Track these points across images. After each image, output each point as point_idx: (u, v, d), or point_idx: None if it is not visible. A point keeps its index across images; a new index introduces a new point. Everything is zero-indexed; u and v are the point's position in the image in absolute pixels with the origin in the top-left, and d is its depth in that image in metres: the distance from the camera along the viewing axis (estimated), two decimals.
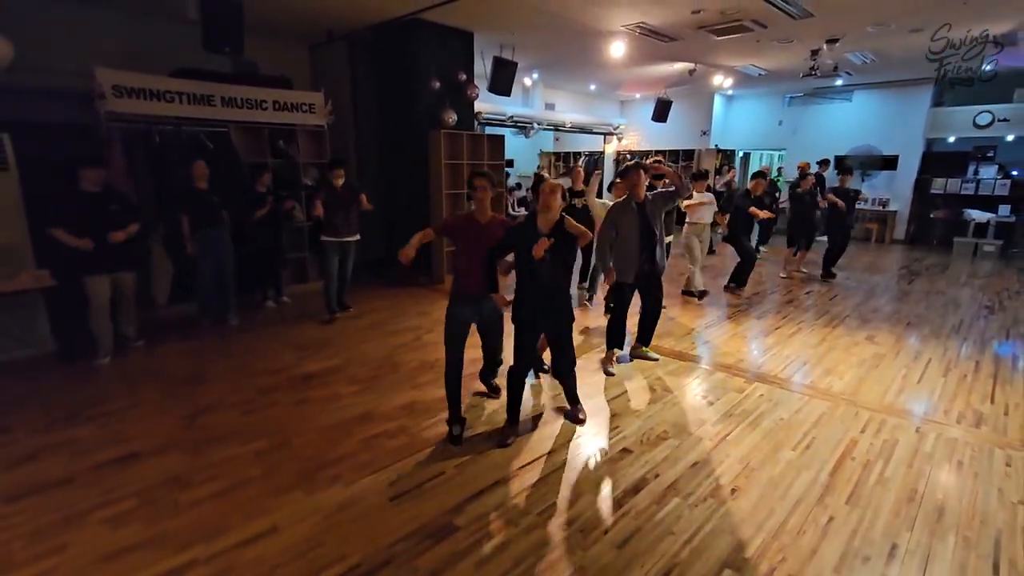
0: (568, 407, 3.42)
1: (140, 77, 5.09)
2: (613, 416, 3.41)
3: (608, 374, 4.06)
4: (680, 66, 9.32)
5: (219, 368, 4.19)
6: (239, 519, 2.40)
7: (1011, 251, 9.91)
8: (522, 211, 10.95)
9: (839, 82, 10.88)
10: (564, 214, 3.01)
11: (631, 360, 4.35)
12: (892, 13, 6.30)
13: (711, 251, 8.58)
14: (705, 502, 2.53)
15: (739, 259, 6.58)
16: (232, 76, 5.93)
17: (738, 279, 6.64)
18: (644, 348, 4.39)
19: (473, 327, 3.21)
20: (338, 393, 3.74)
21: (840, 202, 7.35)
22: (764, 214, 6.62)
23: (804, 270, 7.78)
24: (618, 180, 4.06)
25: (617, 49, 7.46)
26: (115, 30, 5.83)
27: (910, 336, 5.04)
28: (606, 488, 2.65)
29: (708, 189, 6.61)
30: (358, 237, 5.52)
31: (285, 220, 5.86)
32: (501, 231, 3.06)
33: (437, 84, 6.59)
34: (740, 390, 3.82)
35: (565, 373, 3.32)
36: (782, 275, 7.65)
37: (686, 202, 5.94)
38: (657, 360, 4.33)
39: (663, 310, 4.67)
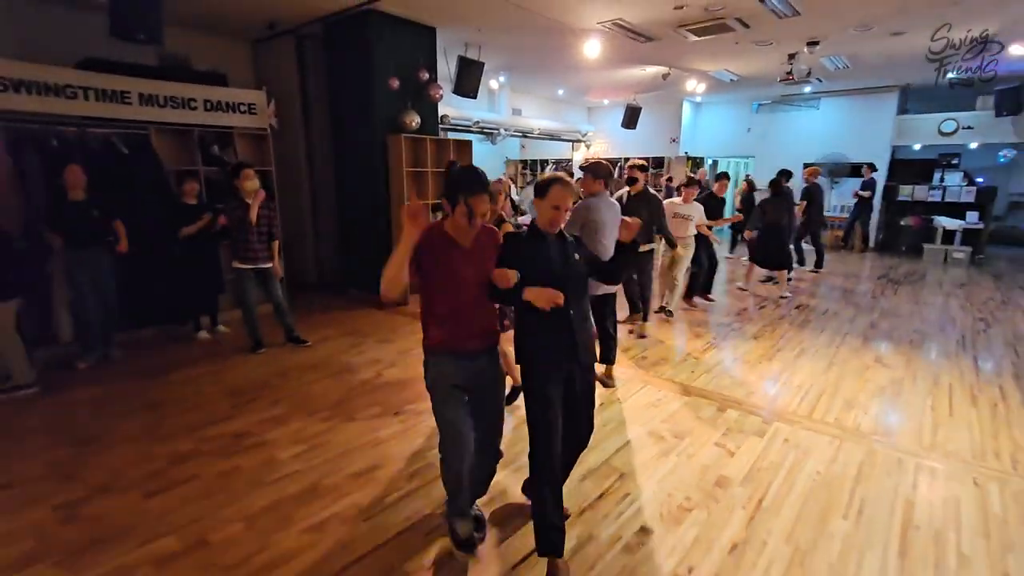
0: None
1: (32, 68, 4.20)
2: (620, 478, 2.80)
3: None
4: (653, 70, 8.94)
5: (126, 425, 3.35)
6: None
7: (978, 257, 9.93)
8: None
9: (807, 89, 10.78)
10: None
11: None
12: (877, 14, 6.02)
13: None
14: None
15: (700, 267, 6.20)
16: (155, 71, 5.08)
17: (706, 286, 6.45)
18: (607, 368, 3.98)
19: None
20: (276, 458, 2.98)
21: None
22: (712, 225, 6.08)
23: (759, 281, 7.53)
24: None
25: (591, 49, 6.95)
26: (6, 14, 4.92)
27: (918, 356, 4.66)
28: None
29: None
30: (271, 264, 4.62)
31: (222, 236, 5.00)
32: (494, 250, 2.09)
33: (397, 83, 5.90)
34: (760, 433, 3.27)
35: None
36: (740, 286, 7.31)
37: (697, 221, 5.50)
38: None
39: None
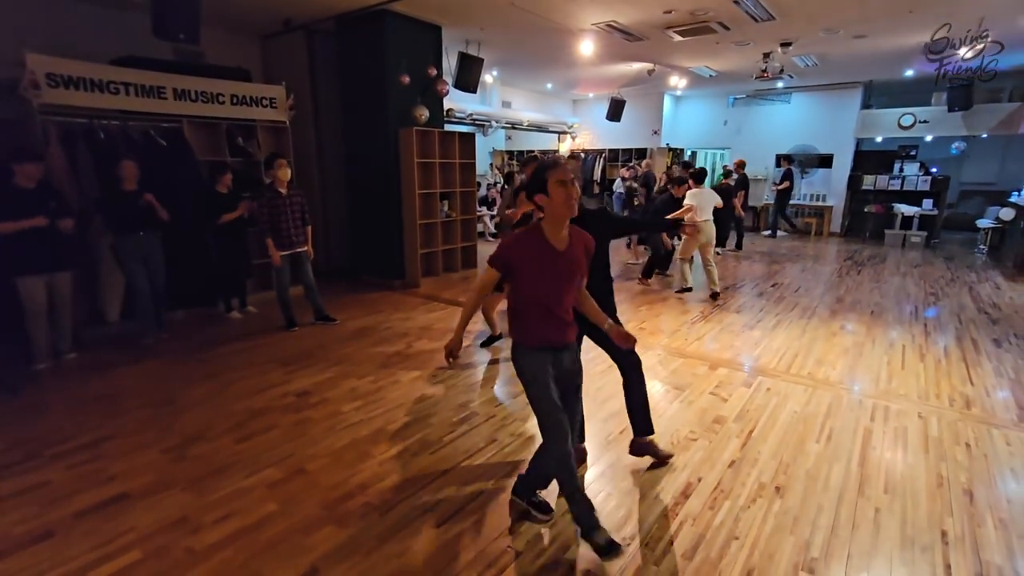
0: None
1: (80, 65, 4.51)
2: None
3: None
4: (638, 66, 9.48)
5: (194, 390, 3.78)
6: (271, 565, 2.13)
7: (933, 241, 10.84)
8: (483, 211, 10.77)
9: (780, 84, 11.49)
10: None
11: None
12: (842, 19, 6.67)
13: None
14: (756, 503, 2.52)
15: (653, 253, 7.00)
16: (182, 66, 5.39)
17: (648, 272, 7.06)
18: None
19: None
20: (340, 411, 3.46)
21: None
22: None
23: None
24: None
25: (586, 48, 7.46)
26: (49, 14, 5.17)
27: (878, 324, 5.35)
28: (655, 496, 2.58)
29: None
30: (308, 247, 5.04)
31: (250, 224, 5.38)
32: (583, 249, 2.15)
33: (407, 79, 6.31)
34: (747, 384, 3.88)
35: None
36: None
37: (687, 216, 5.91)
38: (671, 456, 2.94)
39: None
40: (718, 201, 6.40)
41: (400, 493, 2.58)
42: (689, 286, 6.53)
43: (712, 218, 6.28)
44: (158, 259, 4.65)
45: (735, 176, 9.62)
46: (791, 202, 12.30)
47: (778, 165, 12.25)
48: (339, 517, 2.41)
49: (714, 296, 6.27)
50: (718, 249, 8.56)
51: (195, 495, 2.58)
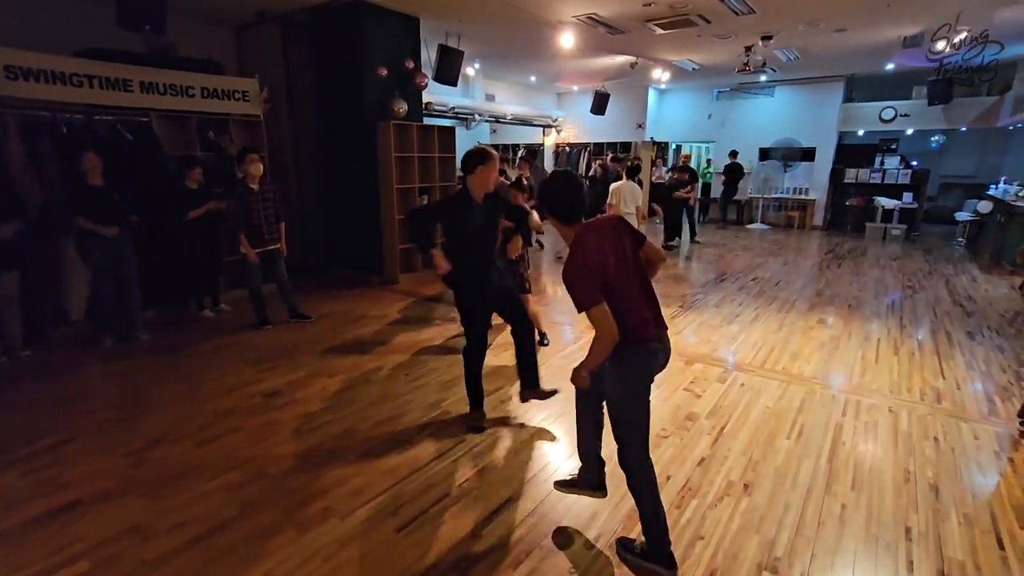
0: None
1: (41, 57, 4.36)
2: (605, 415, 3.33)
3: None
4: (621, 59, 9.44)
5: (163, 390, 3.69)
6: (224, 573, 2.07)
7: (913, 234, 10.94)
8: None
9: (763, 78, 11.50)
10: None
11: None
12: (822, 13, 6.66)
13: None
14: (723, 501, 2.50)
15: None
16: (150, 58, 5.25)
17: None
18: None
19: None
20: (309, 411, 3.40)
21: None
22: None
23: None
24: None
25: (566, 40, 7.39)
26: (17, 5, 5.00)
27: (855, 318, 5.37)
28: (623, 495, 2.55)
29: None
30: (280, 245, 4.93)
31: (221, 220, 5.26)
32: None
33: (385, 72, 6.21)
34: (722, 380, 3.87)
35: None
36: None
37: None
38: (558, 392, 3.28)
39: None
40: (638, 199, 6.35)
41: (362, 496, 2.53)
42: None
43: (634, 211, 6.26)
44: (127, 257, 4.53)
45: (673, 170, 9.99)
46: (775, 195, 12.39)
47: (761, 159, 12.36)
48: (299, 522, 2.36)
49: None
50: (672, 243, 9.26)
51: (152, 500, 2.51)
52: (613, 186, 6.42)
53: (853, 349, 4.50)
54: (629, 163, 7.03)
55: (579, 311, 1.85)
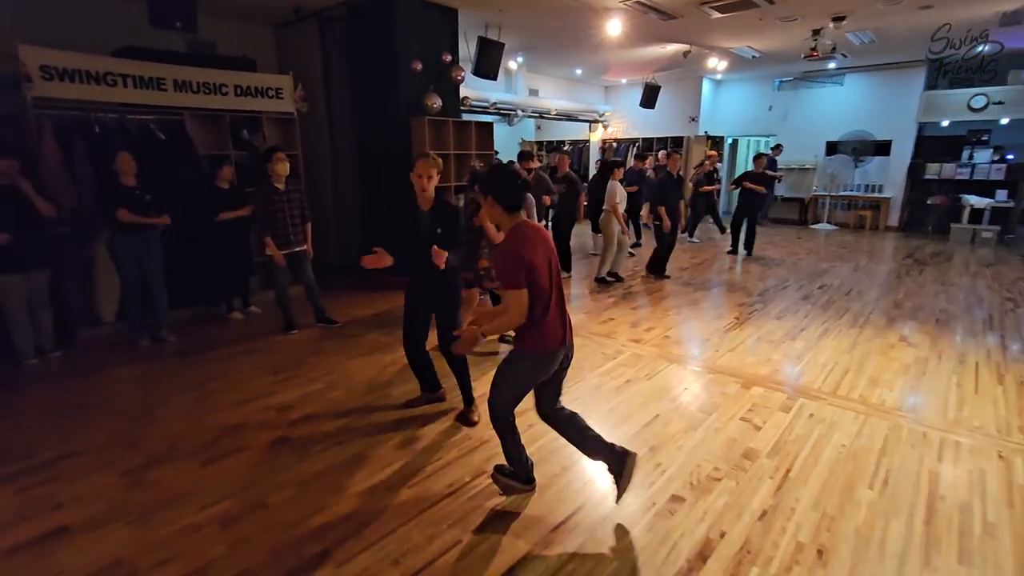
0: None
1: (75, 57, 4.34)
2: (650, 449, 2.90)
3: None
4: (673, 48, 8.83)
5: (176, 400, 3.54)
6: None
7: (1007, 237, 9.76)
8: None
9: (832, 65, 10.56)
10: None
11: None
12: None
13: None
14: (791, 572, 2.04)
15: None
16: (186, 57, 5.19)
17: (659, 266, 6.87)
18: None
19: None
20: (320, 429, 3.14)
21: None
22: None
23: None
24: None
25: (613, 27, 6.91)
26: (44, 4, 5.04)
27: (943, 335, 4.67)
28: (666, 556, 2.13)
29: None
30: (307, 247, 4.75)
31: (253, 221, 5.14)
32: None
33: (420, 66, 5.95)
34: (785, 408, 3.35)
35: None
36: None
37: None
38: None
39: None
40: (614, 195, 6.12)
41: (363, 540, 2.22)
42: (616, 271, 6.57)
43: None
44: (156, 259, 4.46)
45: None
46: (842, 193, 11.40)
47: (828, 154, 11.38)
48: (290, 568, 2.08)
49: (598, 280, 6.50)
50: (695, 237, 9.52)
51: (140, 531, 2.30)
52: (612, 185, 6.19)
53: (945, 375, 3.85)
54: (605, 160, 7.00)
55: (503, 288, 2.08)
